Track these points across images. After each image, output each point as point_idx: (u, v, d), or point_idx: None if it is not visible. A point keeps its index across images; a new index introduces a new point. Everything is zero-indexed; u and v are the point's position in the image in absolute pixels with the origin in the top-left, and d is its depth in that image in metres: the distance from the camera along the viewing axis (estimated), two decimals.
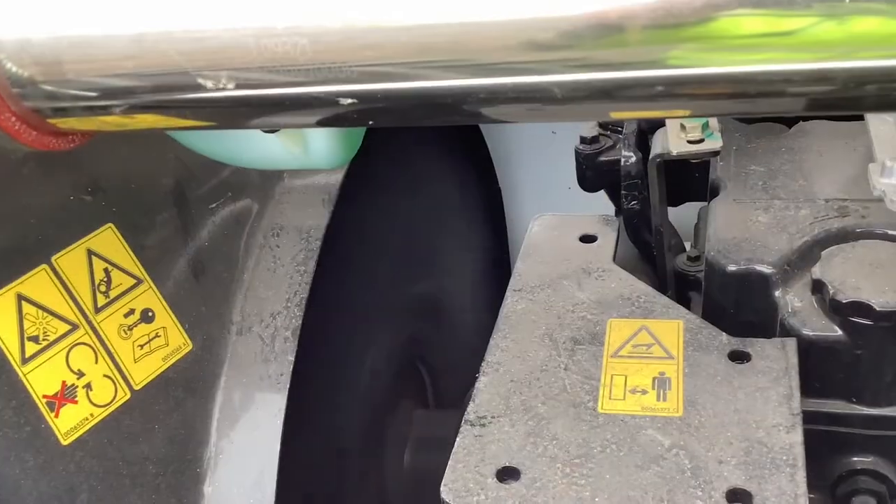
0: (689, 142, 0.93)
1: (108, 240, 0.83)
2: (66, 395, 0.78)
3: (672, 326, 0.90)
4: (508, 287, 0.99)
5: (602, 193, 1.52)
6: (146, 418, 0.83)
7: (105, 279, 0.82)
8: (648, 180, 0.99)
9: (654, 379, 0.84)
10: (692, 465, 0.75)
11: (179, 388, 0.86)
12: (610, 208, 1.57)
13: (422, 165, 1.36)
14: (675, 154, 0.94)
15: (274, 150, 0.79)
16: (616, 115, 0.68)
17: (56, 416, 0.77)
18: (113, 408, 0.81)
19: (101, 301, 0.82)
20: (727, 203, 1.02)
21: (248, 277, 0.93)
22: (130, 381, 0.83)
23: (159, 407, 0.84)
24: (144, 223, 0.86)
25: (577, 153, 1.25)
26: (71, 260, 0.80)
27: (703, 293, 0.98)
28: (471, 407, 0.85)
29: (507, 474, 0.77)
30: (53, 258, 0.80)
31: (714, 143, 0.93)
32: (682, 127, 0.94)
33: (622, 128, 1.26)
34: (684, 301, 1.10)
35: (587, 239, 1.05)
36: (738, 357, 0.85)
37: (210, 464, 0.86)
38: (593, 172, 1.25)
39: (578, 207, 1.86)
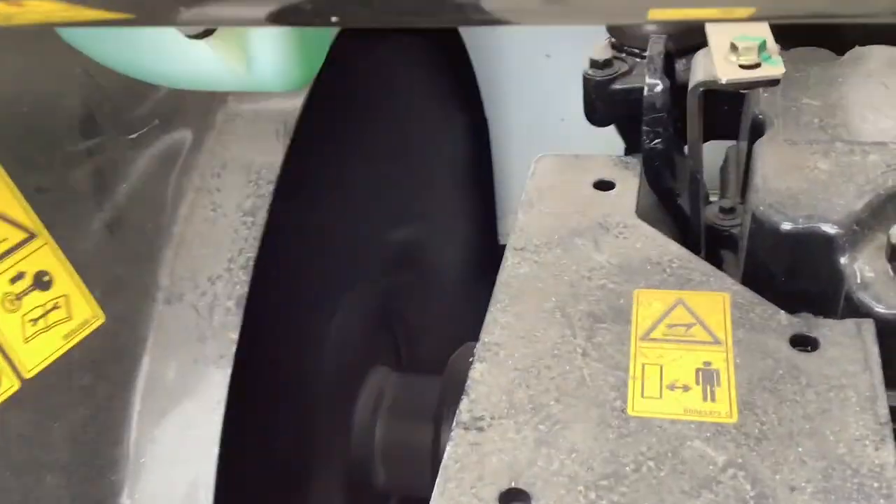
0: (742, 67, 0.74)
1: None
2: None
3: (716, 300, 0.72)
4: (508, 245, 0.80)
5: (604, 129, 1.33)
6: (42, 414, 0.64)
7: None
8: (686, 113, 0.80)
9: (697, 371, 0.66)
10: (756, 493, 0.57)
11: (87, 374, 0.67)
12: (614, 145, 1.38)
13: (398, 89, 1.16)
14: (724, 81, 0.74)
15: (208, 64, 0.59)
16: (659, 15, 0.48)
17: None
18: None
19: None
20: (778, 144, 0.83)
21: (180, 231, 0.73)
22: (18, 366, 0.63)
23: (59, 399, 0.65)
24: (40, 160, 0.66)
25: (586, 79, 1.05)
26: None
27: (746, 254, 0.80)
28: (464, 403, 0.66)
29: (514, 498, 0.59)
30: None
31: (774, 68, 0.74)
32: (734, 48, 0.75)
33: (639, 50, 1.06)
34: (715, 261, 0.92)
35: (603, 185, 0.87)
36: (803, 343, 0.67)
37: (128, 471, 0.67)
38: (604, 103, 1.05)
39: (574, 143, 1.66)
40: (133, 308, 0.70)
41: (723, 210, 0.92)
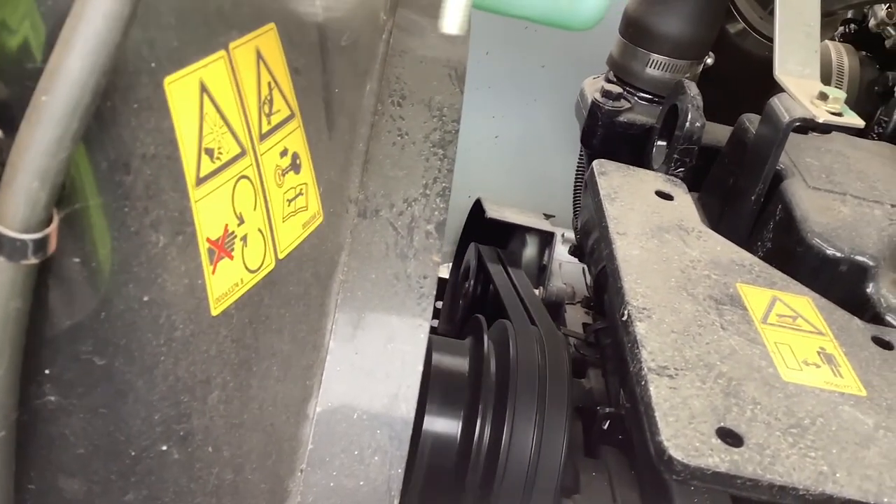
0: (830, 113, 0.88)
1: (270, 45, 0.59)
2: (225, 245, 0.54)
3: (803, 302, 0.84)
4: (609, 229, 0.87)
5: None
6: (282, 300, 0.60)
7: (269, 98, 0.58)
8: (773, 148, 0.92)
9: (818, 353, 0.78)
10: None
11: (309, 270, 0.63)
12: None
13: None
14: (821, 121, 0.88)
15: None
16: None
17: (213, 271, 0.53)
18: (260, 276, 0.57)
19: (265, 126, 0.58)
20: (804, 189, 0.99)
21: (366, 148, 0.72)
22: (277, 244, 0.59)
23: (291, 289, 0.61)
24: (297, 37, 0.63)
25: (596, 106, 1.16)
26: (244, 55, 0.56)
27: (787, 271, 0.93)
28: (644, 353, 0.72)
29: (728, 435, 0.66)
30: (231, 45, 0.55)
31: (854, 119, 0.89)
32: (824, 97, 0.89)
33: (633, 90, 1.19)
34: None
35: (663, 195, 0.97)
36: (882, 344, 0.81)
37: (322, 376, 0.64)
38: (606, 130, 1.17)
39: None
40: (336, 214, 0.67)
41: None
